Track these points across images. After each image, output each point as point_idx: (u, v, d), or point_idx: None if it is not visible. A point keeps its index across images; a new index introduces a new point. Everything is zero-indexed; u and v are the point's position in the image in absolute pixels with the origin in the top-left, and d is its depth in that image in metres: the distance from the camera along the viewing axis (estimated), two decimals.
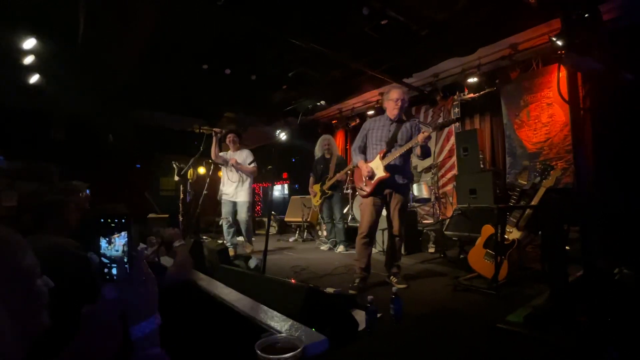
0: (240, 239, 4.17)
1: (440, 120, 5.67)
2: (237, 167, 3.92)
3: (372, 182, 2.60)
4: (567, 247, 2.16)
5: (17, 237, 0.62)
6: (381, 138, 2.68)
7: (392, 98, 2.68)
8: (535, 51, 4.36)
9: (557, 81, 1.55)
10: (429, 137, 2.44)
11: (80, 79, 4.60)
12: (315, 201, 4.63)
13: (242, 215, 4.01)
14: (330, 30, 3.81)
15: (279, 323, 1.01)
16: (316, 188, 4.54)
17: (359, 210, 2.83)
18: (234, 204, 4.03)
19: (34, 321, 0.59)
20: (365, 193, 2.67)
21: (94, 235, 0.68)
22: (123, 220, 0.67)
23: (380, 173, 2.57)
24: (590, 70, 1.38)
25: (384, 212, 2.73)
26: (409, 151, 2.59)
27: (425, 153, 2.56)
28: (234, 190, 3.98)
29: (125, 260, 0.66)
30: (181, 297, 1.39)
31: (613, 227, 2.75)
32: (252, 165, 3.99)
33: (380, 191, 2.63)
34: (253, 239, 4.32)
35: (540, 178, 2.62)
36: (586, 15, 1.73)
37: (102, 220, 0.67)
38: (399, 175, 2.62)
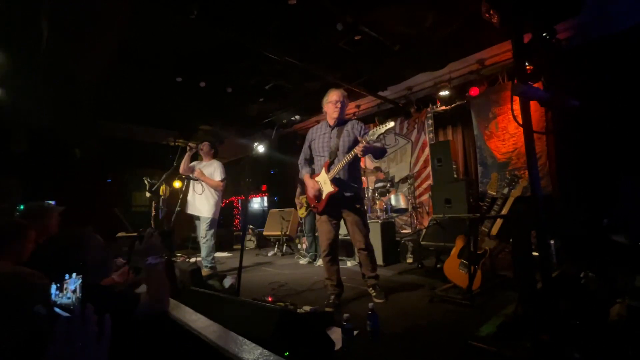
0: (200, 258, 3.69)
1: (409, 133, 5.80)
2: (201, 178, 3.68)
3: (323, 198, 2.50)
4: (535, 254, 2.24)
5: None
6: (324, 147, 2.58)
7: (331, 100, 2.54)
8: (502, 66, 4.61)
9: (510, 105, 1.61)
10: (368, 145, 2.30)
11: (43, 89, 4.36)
12: (302, 212, 4.53)
13: (202, 232, 3.69)
14: (306, 44, 3.85)
15: (248, 352, 0.97)
16: (303, 199, 4.43)
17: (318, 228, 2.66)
18: (199, 219, 3.78)
19: None
20: (318, 210, 2.56)
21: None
22: (81, 264, 0.60)
23: (328, 188, 2.46)
24: (538, 98, 1.45)
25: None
26: (356, 157, 2.42)
27: (377, 155, 2.51)
28: (198, 203, 3.73)
29: (78, 312, 0.56)
30: (146, 326, 1.30)
31: (580, 234, 2.90)
32: (219, 180, 3.72)
33: (333, 206, 2.51)
34: (228, 253, 4.01)
35: (509, 188, 2.72)
36: (543, 35, 1.81)
37: (52, 267, 0.60)
38: (348, 186, 2.49)
